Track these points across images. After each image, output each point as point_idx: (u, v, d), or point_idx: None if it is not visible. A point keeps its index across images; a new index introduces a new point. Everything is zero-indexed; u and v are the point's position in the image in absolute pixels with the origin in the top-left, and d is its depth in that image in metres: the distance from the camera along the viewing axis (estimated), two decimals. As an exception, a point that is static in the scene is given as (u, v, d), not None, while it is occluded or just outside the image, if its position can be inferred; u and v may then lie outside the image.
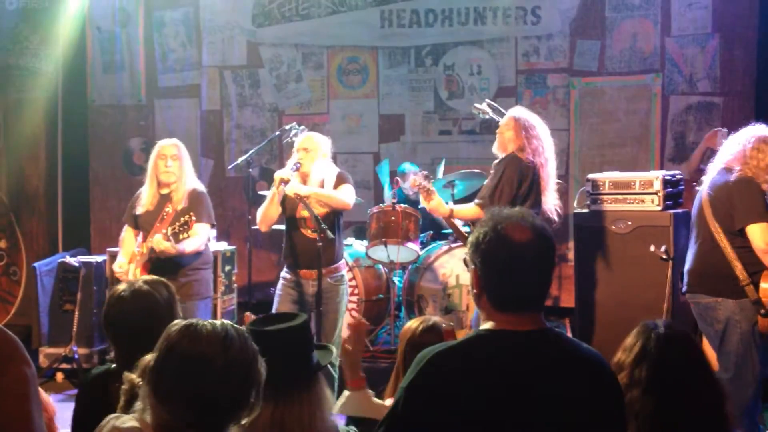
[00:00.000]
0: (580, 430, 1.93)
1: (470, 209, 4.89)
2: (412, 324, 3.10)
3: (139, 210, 4.87)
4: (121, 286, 2.69)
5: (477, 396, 1.89)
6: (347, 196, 4.81)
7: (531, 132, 4.87)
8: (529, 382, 1.90)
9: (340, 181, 4.86)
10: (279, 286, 4.97)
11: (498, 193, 4.72)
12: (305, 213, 4.78)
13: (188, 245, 4.67)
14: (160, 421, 1.77)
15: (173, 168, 4.81)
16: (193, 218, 4.56)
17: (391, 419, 1.98)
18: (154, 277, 2.81)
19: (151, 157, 4.92)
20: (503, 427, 1.89)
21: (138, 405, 1.83)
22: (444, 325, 3.06)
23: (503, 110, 5.47)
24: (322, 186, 4.83)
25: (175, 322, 1.87)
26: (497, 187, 4.74)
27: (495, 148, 4.99)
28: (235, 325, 1.87)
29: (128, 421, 1.83)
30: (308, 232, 4.82)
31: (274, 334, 2.28)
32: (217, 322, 1.84)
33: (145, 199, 4.86)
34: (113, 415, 1.90)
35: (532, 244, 1.95)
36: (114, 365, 2.60)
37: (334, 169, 4.95)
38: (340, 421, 2.48)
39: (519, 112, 5.01)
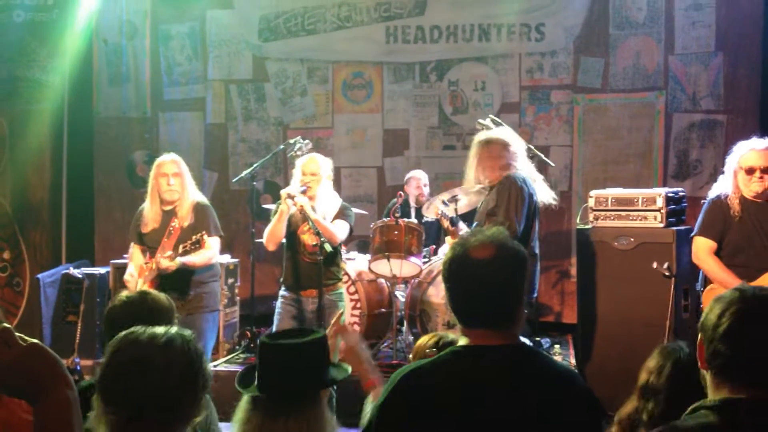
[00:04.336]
0: None
1: None
2: (427, 341, 3.05)
3: (145, 228, 4.88)
4: (127, 292, 2.75)
5: (451, 411, 1.90)
6: (339, 232, 4.91)
7: (508, 148, 4.96)
8: (503, 397, 1.91)
9: (339, 214, 4.98)
10: (279, 303, 5.03)
11: (514, 210, 4.77)
12: (306, 237, 4.88)
13: (197, 258, 4.71)
14: (106, 423, 1.81)
15: (176, 186, 4.82)
16: (205, 237, 4.59)
17: None
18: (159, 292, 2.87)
19: (151, 174, 4.90)
20: None
21: (93, 413, 1.87)
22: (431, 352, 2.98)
23: (507, 126, 5.51)
24: (324, 211, 4.93)
25: (125, 331, 1.92)
26: (511, 205, 4.78)
27: (484, 179, 4.98)
28: (182, 330, 1.91)
29: None
30: (307, 258, 4.90)
31: (281, 348, 2.30)
32: (162, 328, 1.89)
33: (149, 217, 4.86)
34: None
35: (494, 261, 1.96)
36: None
37: (338, 201, 5.05)
38: None
39: (483, 136, 5.09)
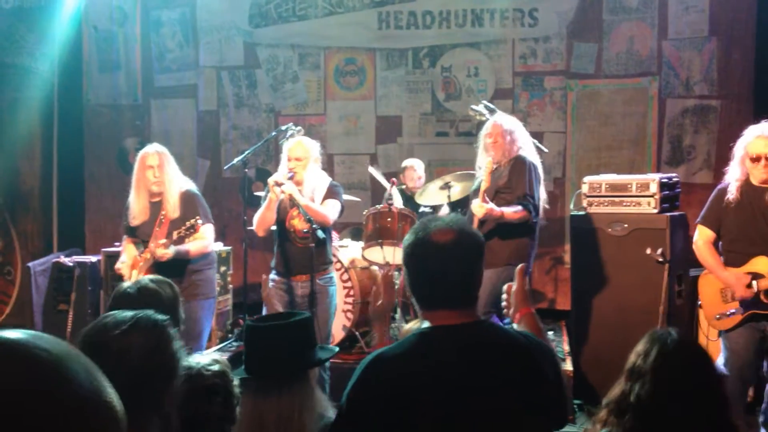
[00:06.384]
0: (527, 410, 1.98)
1: (518, 210, 4.97)
2: (412, 326, 3.07)
3: (134, 221, 4.84)
4: (126, 284, 2.71)
5: (420, 392, 1.94)
6: (330, 212, 4.87)
7: (520, 134, 5.16)
8: (470, 372, 1.96)
9: (329, 194, 4.94)
10: (269, 288, 4.99)
11: (533, 188, 4.95)
12: (295, 222, 4.86)
13: (192, 246, 4.69)
14: None
15: (161, 177, 4.78)
16: (200, 222, 4.56)
17: (337, 423, 2.04)
18: (159, 276, 2.80)
19: (136, 167, 4.86)
20: (451, 416, 1.93)
21: None
22: None
23: (500, 112, 5.50)
24: (312, 193, 4.91)
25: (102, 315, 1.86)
26: (532, 183, 4.96)
27: (496, 157, 5.07)
28: (155, 315, 1.83)
29: None
30: (298, 243, 4.87)
31: (268, 330, 2.32)
32: (133, 312, 1.81)
33: (137, 209, 4.81)
34: None
35: (452, 243, 2.03)
36: None
37: (326, 180, 5.01)
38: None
39: (501, 118, 5.25)
